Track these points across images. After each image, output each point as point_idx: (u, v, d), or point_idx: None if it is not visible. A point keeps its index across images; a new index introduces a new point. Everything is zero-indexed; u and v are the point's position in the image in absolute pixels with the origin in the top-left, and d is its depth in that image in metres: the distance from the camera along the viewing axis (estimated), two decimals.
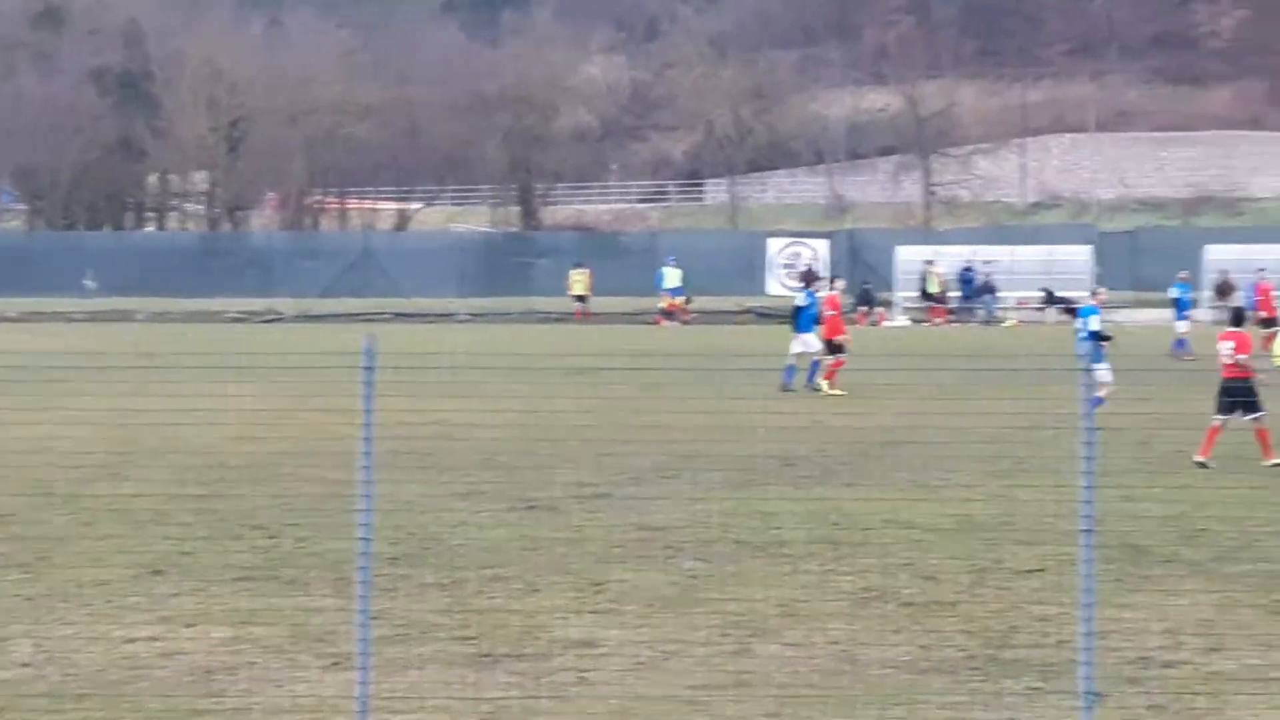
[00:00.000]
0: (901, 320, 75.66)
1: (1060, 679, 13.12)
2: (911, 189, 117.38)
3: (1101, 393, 29.49)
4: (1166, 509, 20.57)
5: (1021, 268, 77.31)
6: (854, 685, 13.27)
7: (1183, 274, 52.77)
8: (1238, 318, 28.46)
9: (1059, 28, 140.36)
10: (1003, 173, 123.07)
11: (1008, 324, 72.90)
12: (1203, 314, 67.97)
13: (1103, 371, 30.00)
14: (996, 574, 17.25)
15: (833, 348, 37.40)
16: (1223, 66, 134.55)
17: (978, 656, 14.11)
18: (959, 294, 76.52)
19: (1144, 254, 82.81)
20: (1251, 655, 14.00)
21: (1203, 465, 24.92)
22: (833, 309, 38.36)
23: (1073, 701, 11.95)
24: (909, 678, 13.53)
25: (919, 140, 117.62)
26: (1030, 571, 17.29)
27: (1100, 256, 78.23)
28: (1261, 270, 59.29)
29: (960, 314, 75.68)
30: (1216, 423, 25.55)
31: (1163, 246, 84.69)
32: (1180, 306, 49.30)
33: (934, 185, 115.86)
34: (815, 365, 37.52)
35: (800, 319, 38.49)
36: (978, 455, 23.75)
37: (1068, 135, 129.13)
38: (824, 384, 36.63)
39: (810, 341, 37.83)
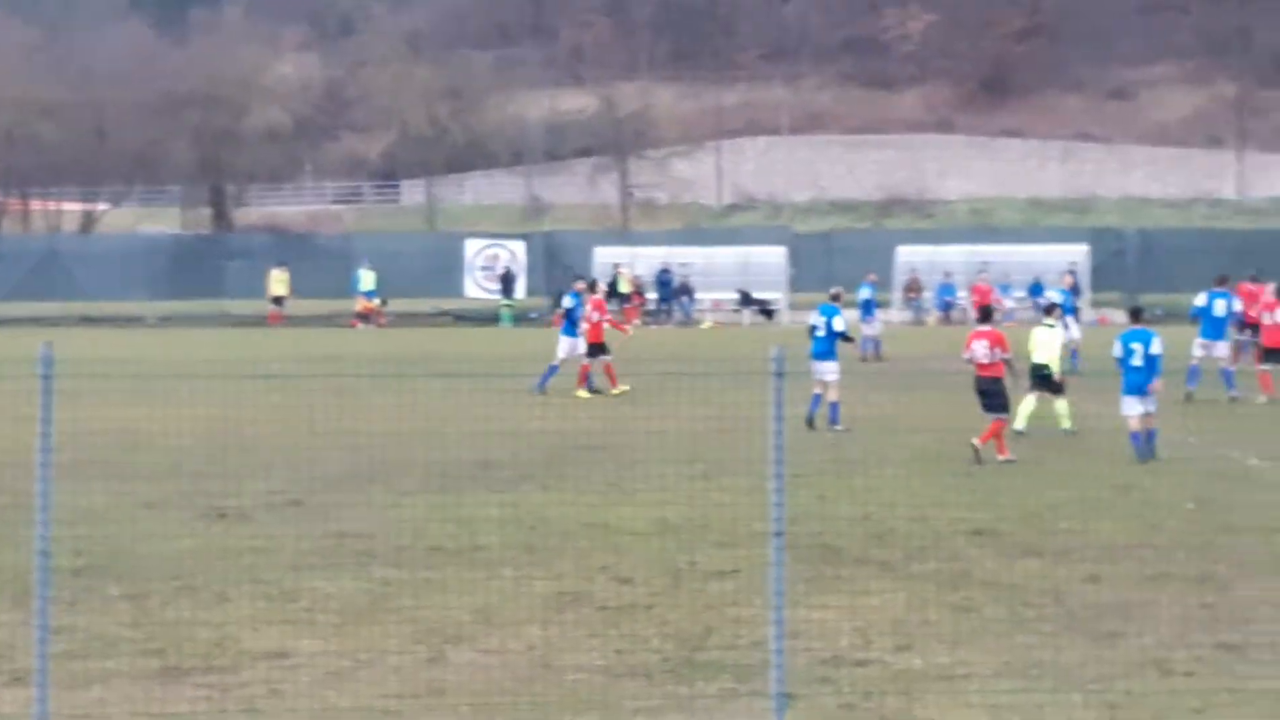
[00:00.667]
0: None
1: (754, 680, 13.17)
2: (609, 190, 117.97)
3: (832, 395, 30.01)
4: (858, 509, 20.82)
5: (718, 269, 78.07)
6: (549, 691, 13.17)
7: (870, 275, 53.68)
8: (986, 315, 29.16)
9: (752, 31, 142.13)
10: (699, 174, 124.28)
11: (705, 325, 73.54)
12: (896, 315, 69.47)
13: (830, 370, 30.49)
14: (692, 576, 17.29)
15: (595, 350, 37.51)
16: (912, 70, 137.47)
17: (673, 659, 14.10)
18: (656, 296, 77.02)
19: (838, 255, 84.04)
20: (940, 653, 14.18)
21: (1010, 461, 25.65)
22: (599, 311, 38.42)
23: (765, 703, 11.98)
24: (604, 682, 13.47)
25: (616, 142, 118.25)
26: (725, 573, 17.36)
27: (795, 258, 79.34)
28: (982, 271, 60.25)
29: (658, 315, 76.21)
30: (997, 419, 26.30)
31: (856, 248, 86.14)
32: (867, 308, 49.88)
33: (631, 187, 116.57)
34: (553, 369, 37.55)
35: (567, 322, 38.63)
36: (674, 458, 23.82)
37: (762, 138, 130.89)
38: (582, 391, 36.72)
39: (576, 345, 37.92)
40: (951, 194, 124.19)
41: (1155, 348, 26.07)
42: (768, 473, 11.70)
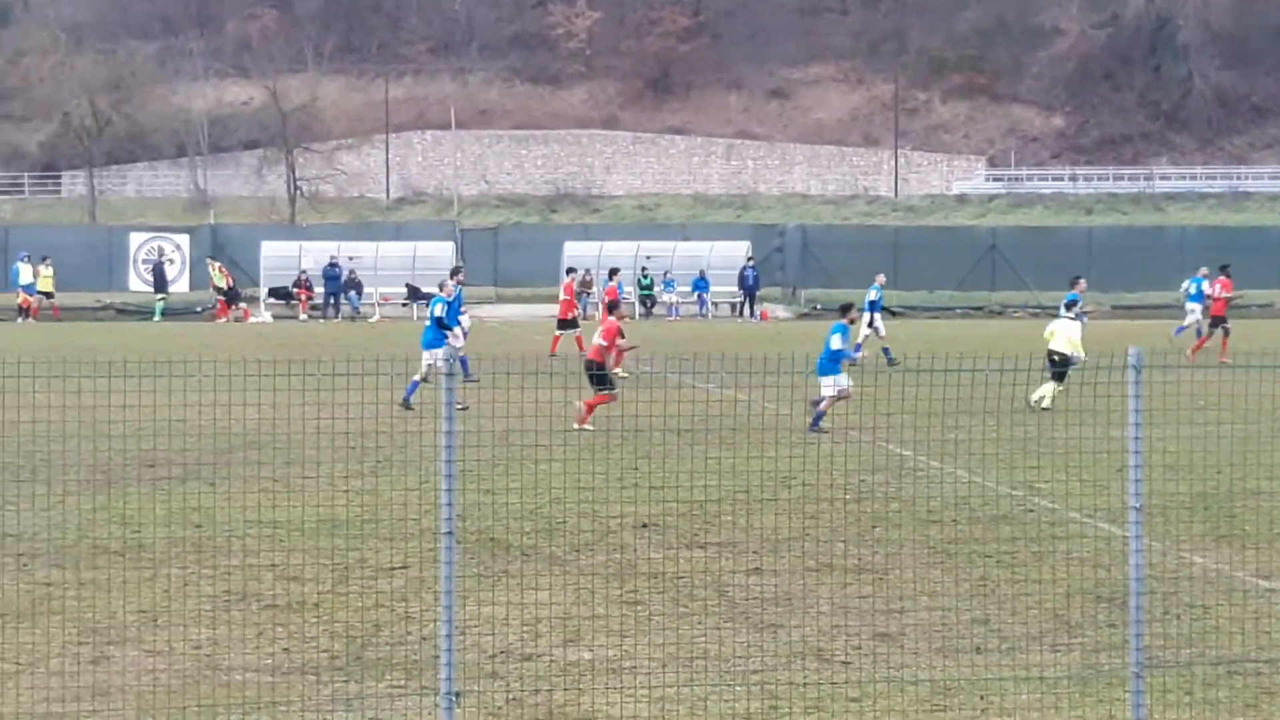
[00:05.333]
0: (265, 316, 75.30)
1: (423, 676, 13.23)
2: (276, 183, 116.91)
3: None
4: (526, 503, 20.98)
5: (386, 264, 77.87)
6: (215, 691, 13.07)
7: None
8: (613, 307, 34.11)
9: (419, 25, 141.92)
10: (367, 168, 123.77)
11: (373, 320, 73.31)
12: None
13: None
14: (360, 572, 17.26)
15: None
16: (579, 67, 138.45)
17: (341, 657, 14.08)
18: (324, 290, 76.64)
19: (505, 250, 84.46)
20: (607, 646, 14.37)
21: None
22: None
23: (434, 699, 12.05)
24: (271, 681, 13.40)
25: (283, 134, 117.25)
26: (394, 569, 17.38)
27: (463, 252, 79.43)
28: (575, 269, 59.04)
29: (325, 310, 75.83)
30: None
31: (523, 243, 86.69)
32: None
33: (299, 180, 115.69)
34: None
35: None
36: (342, 453, 23.72)
37: (430, 132, 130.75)
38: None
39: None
40: (618, 189, 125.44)
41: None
42: (438, 470, 11.75)
